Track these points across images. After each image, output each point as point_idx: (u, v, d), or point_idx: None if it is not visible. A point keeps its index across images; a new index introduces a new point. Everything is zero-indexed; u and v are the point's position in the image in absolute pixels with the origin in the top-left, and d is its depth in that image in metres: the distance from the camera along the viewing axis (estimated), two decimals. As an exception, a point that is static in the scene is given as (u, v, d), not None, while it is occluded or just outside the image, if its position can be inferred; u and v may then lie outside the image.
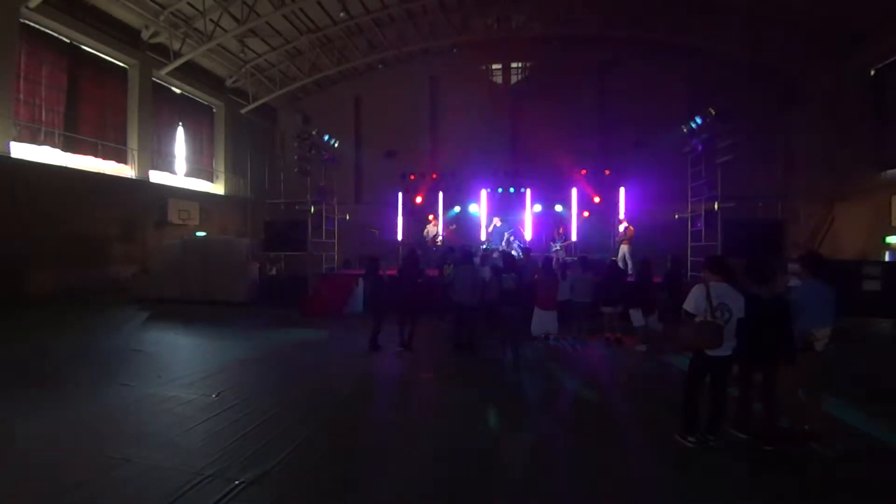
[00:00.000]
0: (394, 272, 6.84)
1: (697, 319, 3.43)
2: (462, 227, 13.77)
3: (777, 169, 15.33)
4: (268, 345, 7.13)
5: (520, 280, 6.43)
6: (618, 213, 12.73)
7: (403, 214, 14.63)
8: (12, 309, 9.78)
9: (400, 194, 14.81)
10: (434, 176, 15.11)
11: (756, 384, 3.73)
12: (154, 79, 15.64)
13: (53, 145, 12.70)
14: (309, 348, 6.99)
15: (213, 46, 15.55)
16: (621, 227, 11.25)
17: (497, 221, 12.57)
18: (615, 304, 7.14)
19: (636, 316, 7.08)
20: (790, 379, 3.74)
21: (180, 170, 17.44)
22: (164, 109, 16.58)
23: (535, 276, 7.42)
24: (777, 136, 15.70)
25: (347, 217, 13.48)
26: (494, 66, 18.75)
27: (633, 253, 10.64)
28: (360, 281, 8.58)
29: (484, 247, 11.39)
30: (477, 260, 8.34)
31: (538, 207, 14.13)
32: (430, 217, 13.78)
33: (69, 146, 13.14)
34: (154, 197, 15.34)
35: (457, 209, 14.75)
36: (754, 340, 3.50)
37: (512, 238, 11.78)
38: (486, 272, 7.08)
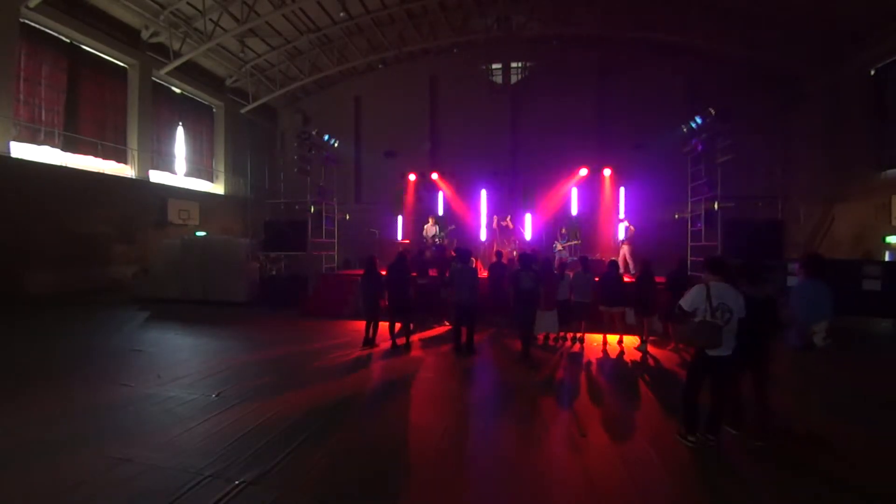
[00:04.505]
0: (384, 272, 6.95)
1: (697, 319, 3.44)
2: (461, 227, 13.74)
3: (777, 169, 15.31)
4: (267, 344, 7.14)
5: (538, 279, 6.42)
6: (618, 214, 12.72)
7: (403, 214, 14.61)
8: (12, 309, 9.77)
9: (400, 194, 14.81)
10: (434, 176, 15.11)
11: (747, 381, 3.76)
12: (154, 79, 15.64)
13: (53, 145, 12.69)
14: (308, 347, 6.98)
15: (213, 46, 15.55)
16: (622, 227, 11.24)
17: (494, 223, 12.56)
18: (615, 305, 7.08)
19: (629, 315, 7.14)
20: (767, 377, 3.76)
21: (180, 170, 17.44)
22: (164, 109, 16.58)
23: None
24: (777, 136, 15.69)
25: (347, 217, 13.48)
26: (494, 66, 18.73)
27: (634, 253, 10.64)
28: (361, 281, 8.62)
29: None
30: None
31: (538, 207, 14.12)
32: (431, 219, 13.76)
33: (69, 146, 13.14)
34: (154, 197, 15.35)
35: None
36: (744, 339, 3.52)
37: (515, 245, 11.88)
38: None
